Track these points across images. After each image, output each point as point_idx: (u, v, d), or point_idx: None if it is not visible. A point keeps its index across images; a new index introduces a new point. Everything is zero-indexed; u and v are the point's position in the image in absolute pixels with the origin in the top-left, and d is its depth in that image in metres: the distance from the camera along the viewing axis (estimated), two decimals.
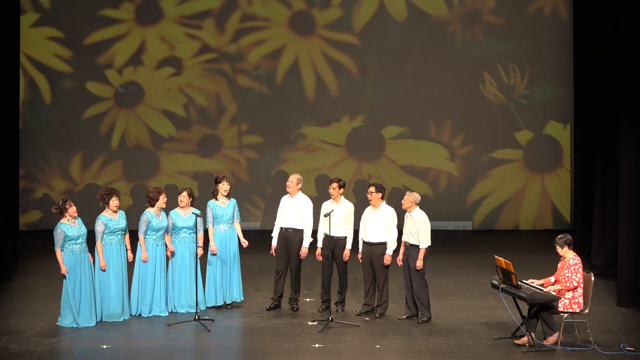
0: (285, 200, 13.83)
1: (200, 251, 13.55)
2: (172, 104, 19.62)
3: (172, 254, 13.53)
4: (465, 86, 19.65)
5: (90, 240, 13.09)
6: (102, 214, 13.17)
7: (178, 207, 13.60)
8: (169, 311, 13.54)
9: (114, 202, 13.15)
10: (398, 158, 19.80)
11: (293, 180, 13.78)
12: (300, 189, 13.82)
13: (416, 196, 13.26)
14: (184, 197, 13.57)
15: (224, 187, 13.76)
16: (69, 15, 19.33)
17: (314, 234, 13.74)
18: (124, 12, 19.46)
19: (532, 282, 12.37)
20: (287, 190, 13.78)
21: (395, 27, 19.57)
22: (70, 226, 12.83)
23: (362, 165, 19.79)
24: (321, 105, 19.75)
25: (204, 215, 13.65)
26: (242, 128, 19.66)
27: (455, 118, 19.71)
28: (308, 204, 13.77)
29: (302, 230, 13.72)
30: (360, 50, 19.63)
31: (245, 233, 13.98)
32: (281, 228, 13.77)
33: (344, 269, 13.68)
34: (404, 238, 13.29)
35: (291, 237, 13.72)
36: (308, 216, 13.73)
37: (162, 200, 13.45)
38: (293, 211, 13.71)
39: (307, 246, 13.71)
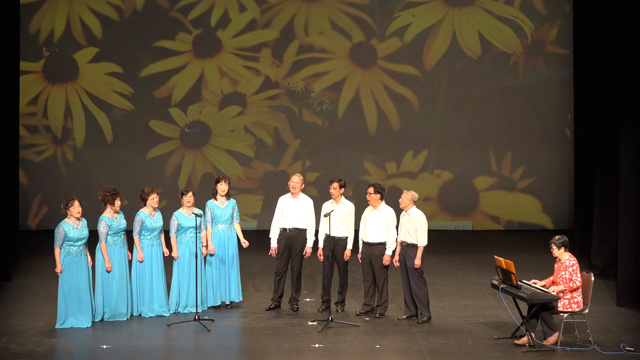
0: (285, 201, 13.81)
1: (204, 250, 13.56)
2: (238, 144, 19.49)
3: (174, 255, 13.54)
4: (541, 124, 19.48)
5: (92, 241, 13.09)
6: (103, 215, 13.15)
7: (182, 208, 13.58)
8: (174, 312, 13.54)
9: (118, 202, 13.17)
10: (491, 210, 19.74)
11: (297, 180, 13.77)
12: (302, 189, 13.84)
13: (413, 194, 13.26)
14: (191, 197, 13.55)
15: (222, 187, 13.75)
16: (125, 48, 19.24)
17: (315, 233, 13.74)
18: (179, 43, 19.32)
19: (535, 283, 12.35)
20: (292, 190, 13.75)
21: (459, 59, 19.46)
22: (72, 227, 12.82)
23: (457, 219, 19.69)
24: (383, 140, 19.58)
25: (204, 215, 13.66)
26: (305, 164, 19.51)
27: (528, 158, 19.57)
28: (310, 203, 13.78)
29: (304, 230, 13.71)
30: (422, 82, 19.47)
31: (244, 233, 13.98)
32: (283, 229, 13.75)
33: (345, 269, 13.68)
34: (401, 238, 13.27)
35: (295, 236, 13.71)
36: (311, 215, 13.73)
37: (152, 199, 13.41)
38: (295, 211, 13.70)
39: (311, 245, 13.71)
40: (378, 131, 19.59)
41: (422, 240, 13.11)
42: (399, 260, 13.30)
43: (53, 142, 19.31)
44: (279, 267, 13.78)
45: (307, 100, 19.50)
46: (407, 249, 13.19)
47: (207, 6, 19.35)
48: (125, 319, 13.17)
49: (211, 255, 13.70)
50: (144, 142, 19.39)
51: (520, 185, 19.69)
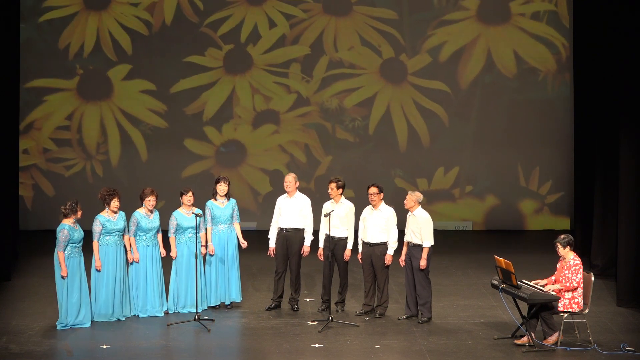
0: (283, 201, 13.81)
1: (203, 250, 13.56)
2: (273, 162, 19.33)
3: (169, 255, 13.54)
4: (570, 138, 19.24)
5: (87, 240, 13.10)
6: (100, 214, 13.17)
7: (181, 208, 13.58)
8: (173, 312, 13.54)
9: (114, 202, 13.16)
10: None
11: (291, 179, 13.76)
12: (297, 187, 13.82)
13: (418, 195, 13.26)
14: (190, 197, 13.55)
15: (221, 187, 13.76)
16: (155, 63, 19.13)
17: (315, 234, 13.74)
18: (210, 59, 19.18)
19: (537, 283, 12.34)
20: (286, 190, 13.76)
21: (489, 75, 19.31)
22: (74, 229, 12.84)
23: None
24: (414, 156, 19.44)
25: (204, 215, 13.65)
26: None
27: (557, 174, 19.45)
28: (307, 203, 13.77)
29: (302, 230, 13.71)
30: (451, 98, 19.31)
31: (244, 233, 13.98)
32: (281, 228, 13.75)
33: (345, 269, 13.68)
34: (407, 238, 13.27)
35: (291, 236, 13.71)
36: (308, 215, 13.73)
37: (148, 200, 13.39)
38: (292, 211, 13.70)
39: (309, 244, 13.71)
40: (409, 147, 19.45)
41: (427, 241, 13.09)
42: (405, 260, 13.29)
43: (84, 159, 19.22)
44: (277, 267, 13.79)
45: (340, 117, 19.37)
46: (414, 249, 13.18)
47: (236, 21, 19.23)
48: (111, 320, 13.15)
49: (211, 255, 13.70)
50: (179, 160, 19.23)
51: (549, 200, 19.56)
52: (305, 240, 13.71)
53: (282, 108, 19.39)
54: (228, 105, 19.36)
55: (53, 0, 19.11)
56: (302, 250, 13.70)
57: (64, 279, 12.75)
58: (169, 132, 19.32)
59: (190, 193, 13.57)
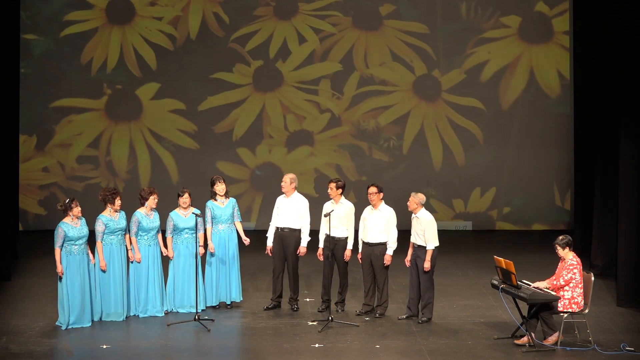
0: (281, 201, 13.83)
1: (201, 250, 13.56)
2: (308, 187, 18.86)
3: (169, 255, 13.54)
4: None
5: (91, 240, 13.10)
6: (102, 214, 13.17)
7: (178, 208, 13.59)
8: (170, 311, 13.55)
9: (118, 201, 13.18)
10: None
11: (287, 180, 13.78)
12: (295, 188, 13.80)
13: (421, 197, 13.24)
14: (186, 199, 13.56)
15: (219, 187, 13.78)
16: (182, 80, 18.86)
17: (315, 233, 13.74)
18: (238, 75, 18.90)
19: (539, 285, 12.33)
20: (282, 190, 13.78)
21: (527, 93, 19.13)
22: (71, 226, 12.83)
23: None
24: (449, 176, 19.23)
25: (203, 215, 13.65)
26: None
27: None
28: (304, 203, 13.77)
29: (298, 230, 13.71)
30: (486, 116, 19.12)
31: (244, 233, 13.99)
32: (277, 228, 13.76)
33: (345, 269, 13.68)
34: (412, 239, 13.26)
35: (287, 236, 13.71)
36: (305, 215, 13.73)
37: (152, 200, 13.43)
38: (289, 211, 13.70)
39: (306, 245, 13.71)
40: (443, 167, 19.22)
41: (430, 243, 13.08)
42: (411, 261, 13.27)
43: (107, 178, 19.00)
44: (275, 267, 13.79)
45: (375, 138, 19.09)
46: (419, 250, 13.18)
47: (265, 36, 18.97)
48: (121, 319, 13.17)
49: (212, 254, 13.71)
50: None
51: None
52: (301, 241, 13.71)
53: (316, 128, 19.09)
54: (258, 124, 19.04)
55: (74, 15, 18.85)
56: (298, 251, 13.70)
57: (60, 277, 12.76)
58: (200, 154, 19.02)
59: (186, 195, 13.57)
